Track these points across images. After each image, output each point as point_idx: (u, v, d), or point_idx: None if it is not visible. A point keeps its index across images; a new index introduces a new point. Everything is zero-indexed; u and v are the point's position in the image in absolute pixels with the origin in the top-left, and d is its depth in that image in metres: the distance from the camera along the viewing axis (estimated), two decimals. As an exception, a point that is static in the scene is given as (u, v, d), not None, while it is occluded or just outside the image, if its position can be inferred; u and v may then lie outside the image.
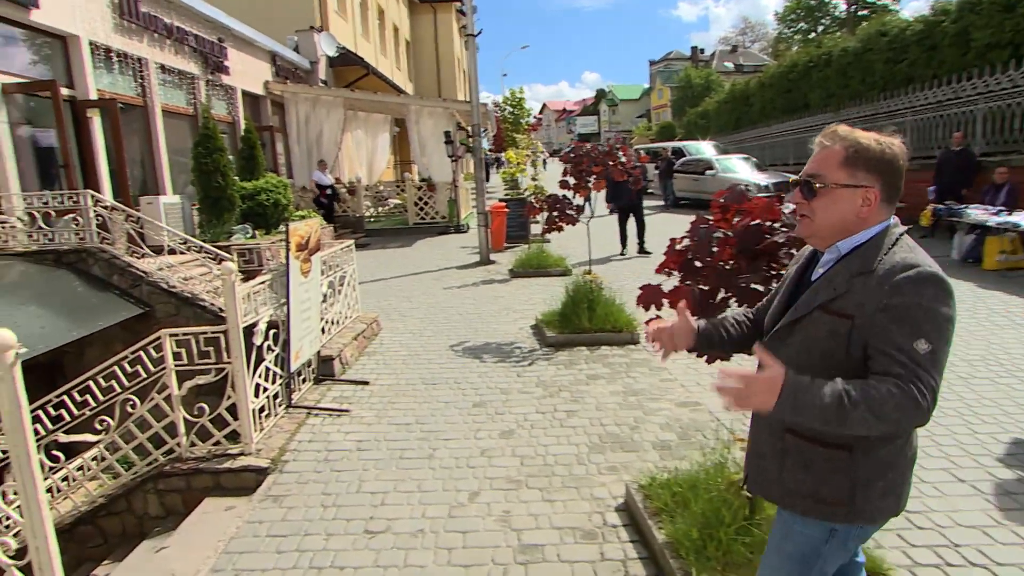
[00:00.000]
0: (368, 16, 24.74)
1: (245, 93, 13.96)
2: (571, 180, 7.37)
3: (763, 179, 16.24)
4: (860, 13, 36.98)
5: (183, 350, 4.48)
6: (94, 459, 4.81)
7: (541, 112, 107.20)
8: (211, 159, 9.67)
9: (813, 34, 42.16)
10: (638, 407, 4.97)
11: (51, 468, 4.56)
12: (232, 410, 4.46)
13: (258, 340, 4.74)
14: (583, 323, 6.60)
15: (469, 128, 14.57)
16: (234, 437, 4.51)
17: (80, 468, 4.83)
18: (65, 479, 4.81)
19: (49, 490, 4.98)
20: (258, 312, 4.79)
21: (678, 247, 2.65)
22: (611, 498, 3.68)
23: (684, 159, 20.02)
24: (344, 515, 3.76)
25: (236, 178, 10.36)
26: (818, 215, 1.66)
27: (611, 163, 7.12)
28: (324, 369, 5.97)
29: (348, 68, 19.19)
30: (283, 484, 4.17)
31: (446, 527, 3.57)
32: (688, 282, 2.54)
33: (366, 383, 5.82)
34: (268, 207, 10.74)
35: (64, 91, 8.36)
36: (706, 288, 2.48)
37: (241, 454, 4.40)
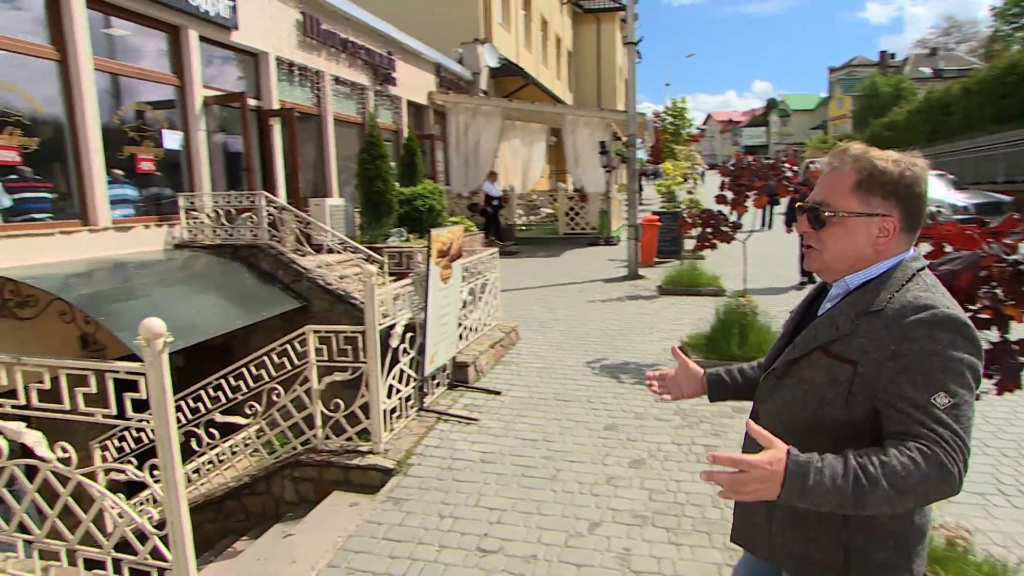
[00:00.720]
0: (531, 27, 25.21)
1: (410, 103, 14.72)
2: (729, 195, 6.85)
3: (961, 199, 14.19)
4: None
5: (324, 346, 4.66)
6: (244, 441, 5.17)
7: (705, 123, 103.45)
8: (374, 165, 10.23)
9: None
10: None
11: (208, 444, 4.96)
12: (365, 408, 4.57)
13: (395, 342, 4.83)
14: (732, 350, 6.07)
15: (624, 138, 14.24)
16: (365, 435, 4.62)
17: (232, 447, 5.20)
18: (220, 456, 5.21)
19: (208, 463, 5.44)
20: (396, 315, 4.88)
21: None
22: (748, 553, 3.26)
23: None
24: (459, 528, 3.68)
25: (396, 183, 10.89)
26: (828, 247, 1.44)
27: (775, 178, 6.51)
28: (458, 375, 5.99)
29: (509, 78, 19.62)
30: (405, 487, 4.18)
31: (560, 557, 3.35)
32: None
33: (498, 393, 5.75)
34: (423, 212, 11.16)
35: (251, 102, 9.27)
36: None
37: (370, 452, 4.48)
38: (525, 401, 5.55)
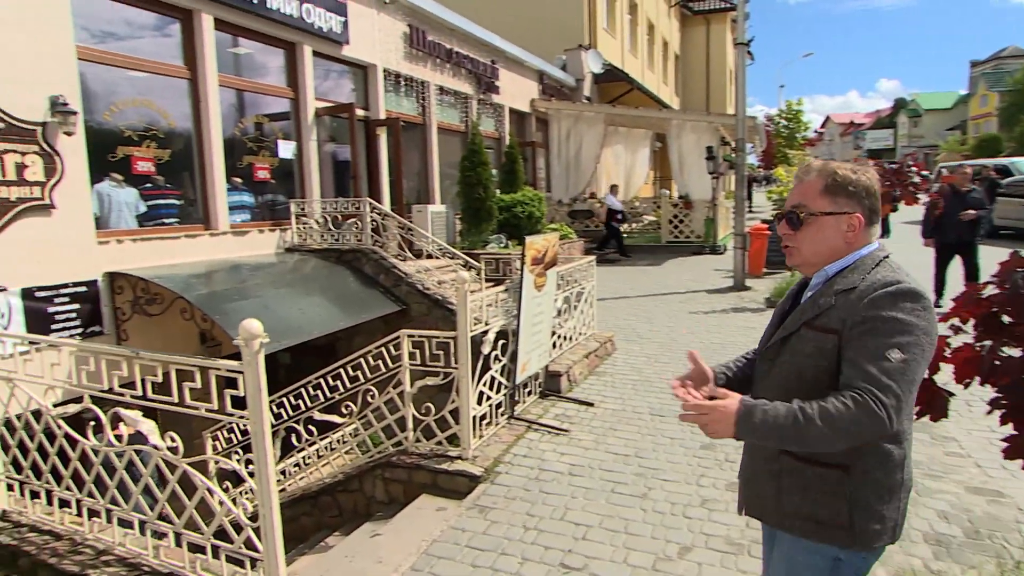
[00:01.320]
0: (637, 32, 24.80)
1: (512, 110, 14.84)
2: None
3: None
4: None
5: (418, 351, 4.73)
6: (340, 439, 5.34)
7: (823, 126, 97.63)
8: (475, 172, 10.39)
9: None
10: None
11: (307, 440, 5.16)
12: (455, 414, 4.59)
13: (486, 349, 4.82)
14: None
15: (733, 143, 13.67)
16: (454, 440, 4.64)
17: (328, 444, 5.39)
18: (318, 452, 5.42)
19: (307, 459, 5.67)
20: (489, 321, 4.87)
21: (980, 294, 1.95)
22: (857, 595, 2.96)
23: (1012, 179, 16.34)
24: (544, 541, 3.59)
25: (496, 190, 11.00)
26: (806, 244, 1.72)
27: (900, 185, 5.96)
28: (550, 384, 5.91)
29: (613, 84, 19.37)
30: (492, 495, 4.15)
31: (647, 582, 3.18)
32: (985, 342, 1.84)
33: (591, 404, 5.62)
34: (523, 219, 11.19)
35: (359, 112, 9.65)
36: (1018, 355, 1.76)
37: (458, 458, 4.49)
38: (618, 414, 5.38)
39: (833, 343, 1.60)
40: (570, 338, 6.58)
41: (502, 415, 5.16)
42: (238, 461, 3.47)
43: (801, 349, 1.67)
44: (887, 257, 1.68)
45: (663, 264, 14.14)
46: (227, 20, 7.49)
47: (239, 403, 2.91)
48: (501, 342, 5.02)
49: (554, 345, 6.07)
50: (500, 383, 5.04)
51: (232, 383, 2.91)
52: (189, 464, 3.08)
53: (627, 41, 23.37)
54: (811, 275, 1.77)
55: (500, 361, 5.03)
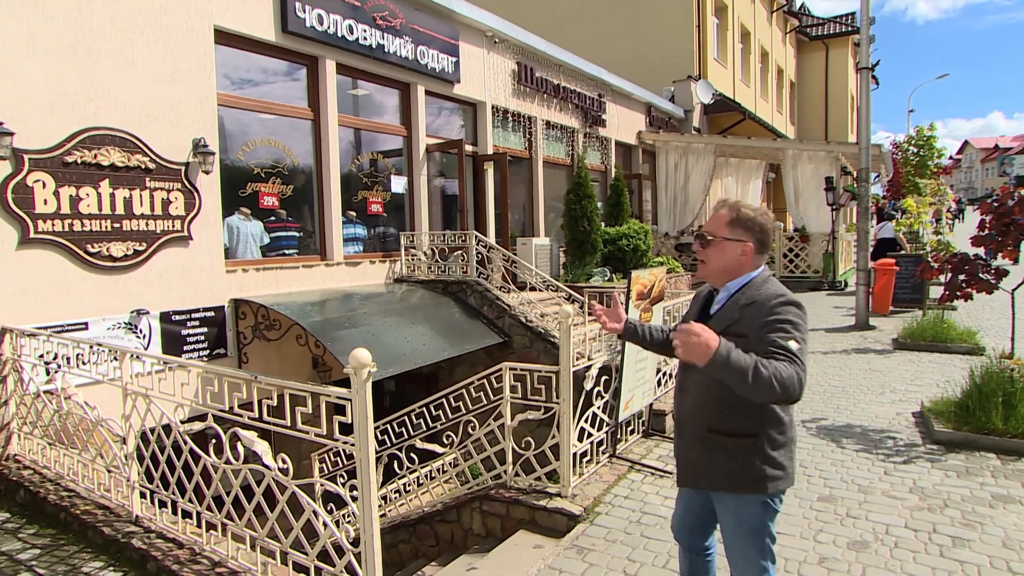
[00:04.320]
0: (749, 60, 24.12)
1: (618, 143, 14.77)
2: (991, 235, 5.76)
3: None
4: None
5: (519, 384, 4.69)
6: (440, 468, 5.37)
7: (960, 151, 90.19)
8: (580, 205, 10.39)
9: None
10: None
11: (408, 468, 5.23)
12: (555, 449, 4.49)
13: (588, 384, 4.71)
14: (993, 421, 5.01)
15: (855, 172, 12.87)
16: (553, 476, 4.53)
17: (429, 473, 5.44)
18: (418, 480, 5.48)
19: (407, 487, 5.75)
20: (592, 356, 4.77)
21: None
22: None
23: None
24: (645, 591, 3.40)
25: (601, 223, 10.91)
26: (711, 260, 2.32)
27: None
28: (655, 424, 5.70)
29: (723, 114, 18.88)
30: (591, 536, 4.00)
31: (759, 647, 2.92)
32: None
33: (696, 445, 5.33)
34: (627, 252, 11.02)
35: (468, 148, 9.94)
36: None
37: (558, 495, 4.38)
38: (727, 458, 5.07)
39: (744, 344, 2.05)
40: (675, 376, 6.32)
41: (603, 453, 5.00)
42: (343, 484, 3.55)
43: None
44: (771, 276, 2.32)
45: (777, 300, 13.41)
46: (348, 64, 8.00)
47: (346, 429, 2.98)
48: (604, 378, 4.90)
49: (659, 383, 5.86)
50: (602, 420, 4.91)
51: (340, 409, 2.99)
52: (298, 486, 3.18)
53: (739, 70, 22.78)
54: (718, 287, 2.36)
55: (603, 397, 4.90)
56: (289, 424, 3.18)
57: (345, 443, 2.99)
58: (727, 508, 2.32)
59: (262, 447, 3.32)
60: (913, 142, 40.89)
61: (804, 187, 14.84)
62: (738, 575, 2.38)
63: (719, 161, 16.38)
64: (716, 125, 19.17)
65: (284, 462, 3.21)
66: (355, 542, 3.05)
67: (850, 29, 30.32)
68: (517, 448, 4.64)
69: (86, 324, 5.45)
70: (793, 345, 2.04)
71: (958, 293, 5.93)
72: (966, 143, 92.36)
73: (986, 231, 5.86)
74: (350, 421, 2.94)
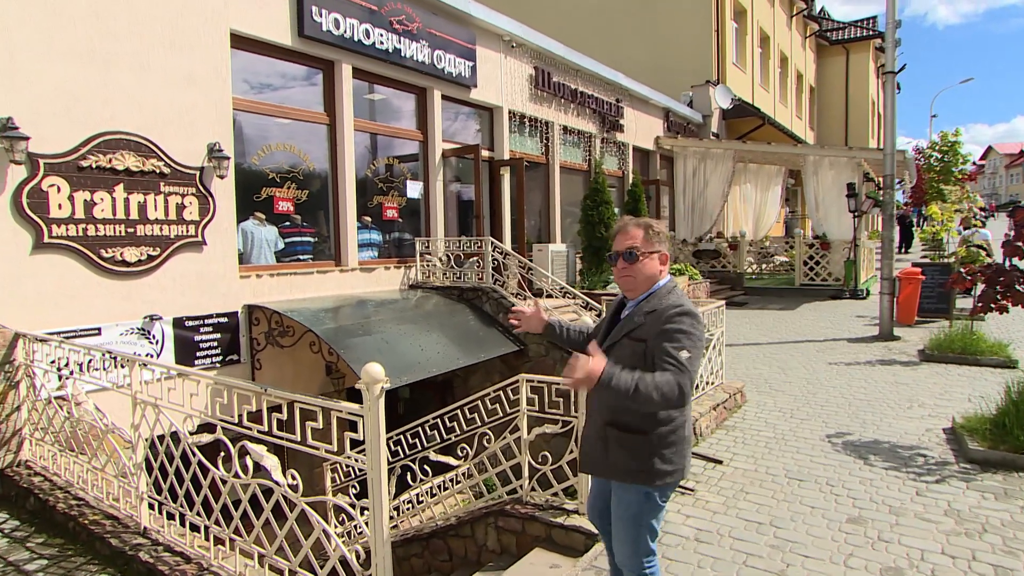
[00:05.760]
0: (768, 65, 23.85)
1: (636, 148, 14.61)
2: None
3: None
4: None
5: (536, 396, 4.56)
6: (454, 480, 5.26)
7: (983, 157, 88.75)
8: (597, 211, 10.25)
9: None
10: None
11: (421, 480, 5.12)
12: (572, 464, 4.35)
13: (606, 396, 4.57)
14: (1030, 439, 4.81)
15: (879, 179, 12.59)
16: (571, 492, 4.40)
17: (442, 485, 5.32)
18: (431, 492, 5.36)
19: (419, 497, 5.63)
20: (609, 367, 4.63)
21: None
22: None
23: None
24: (667, 617, 3.26)
25: (618, 229, 10.75)
26: (640, 275, 2.52)
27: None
28: (674, 436, 5.52)
29: (742, 119, 18.66)
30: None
31: None
32: None
33: (719, 462, 5.18)
34: (644, 258, 10.84)
35: (484, 153, 9.84)
36: None
37: (575, 512, 4.24)
38: (750, 475, 4.91)
39: (643, 348, 2.37)
40: (696, 387, 6.17)
41: (622, 468, 4.85)
42: (355, 495, 3.45)
43: (623, 353, 2.44)
44: (676, 286, 2.51)
45: (797, 308, 13.18)
46: (364, 69, 7.94)
47: (358, 444, 2.89)
48: (622, 390, 4.75)
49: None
50: (620, 434, 4.76)
51: (352, 425, 2.89)
52: (308, 503, 3.08)
53: (758, 75, 22.53)
54: (633, 299, 2.55)
55: (621, 410, 4.75)
56: (300, 439, 3.08)
57: (356, 460, 2.89)
58: (616, 494, 2.58)
59: (271, 462, 3.22)
60: (937, 148, 40.21)
61: (825, 193, 14.58)
62: (620, 558, 2.64)
63: (738, 167, 16.16)
64: (735, 130, 18.95)
65: (294, 478, 3.11)
66: (366, 564, 2.95)
67: (871, 33, 29.94)
68: (534, 462, 4.51)
69: (99, 329, 5.40)
70: (683, 355, 2.25)
71: (992, 306, 5.72)
72: (990, 148, 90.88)
73: (1021, 240, 5.65)
74: (362, 438, 2.84)
